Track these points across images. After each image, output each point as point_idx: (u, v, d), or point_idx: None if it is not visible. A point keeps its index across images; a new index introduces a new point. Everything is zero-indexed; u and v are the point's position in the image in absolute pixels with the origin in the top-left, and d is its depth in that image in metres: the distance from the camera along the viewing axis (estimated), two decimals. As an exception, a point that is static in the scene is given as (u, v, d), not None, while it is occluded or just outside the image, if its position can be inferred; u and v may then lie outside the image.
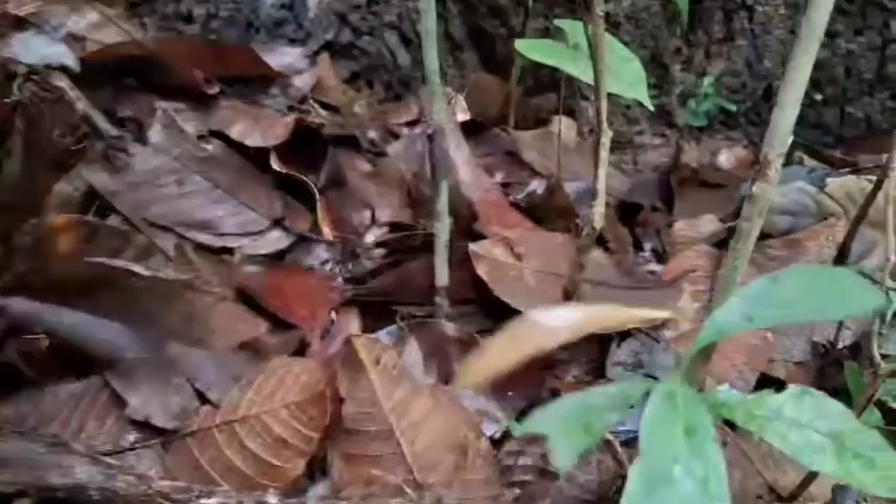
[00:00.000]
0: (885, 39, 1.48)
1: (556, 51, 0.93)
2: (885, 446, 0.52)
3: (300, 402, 0.71)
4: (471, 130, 1.27)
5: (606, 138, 0.79)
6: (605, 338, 0.95)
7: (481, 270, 0.89)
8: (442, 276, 0.88)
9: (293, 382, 0.72)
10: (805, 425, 0.52)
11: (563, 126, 1.47)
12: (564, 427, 0.58)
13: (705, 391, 0.57)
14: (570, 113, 1.49)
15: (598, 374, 0.92)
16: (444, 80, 1.41)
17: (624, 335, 0.94)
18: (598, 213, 0.80)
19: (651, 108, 0.90)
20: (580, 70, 0.92)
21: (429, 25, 0.85)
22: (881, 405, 0.89)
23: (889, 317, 0.89)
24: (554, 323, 0.55)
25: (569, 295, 0.85)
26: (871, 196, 1.06)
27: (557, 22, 0.97)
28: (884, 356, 0.91)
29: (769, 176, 0.56)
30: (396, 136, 1.19)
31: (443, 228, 0.86)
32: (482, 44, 1.45)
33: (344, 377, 0.79)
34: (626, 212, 1.30)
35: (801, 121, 1.60)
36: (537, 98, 1.45)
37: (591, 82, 0.91)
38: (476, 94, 1.25)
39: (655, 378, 0.91)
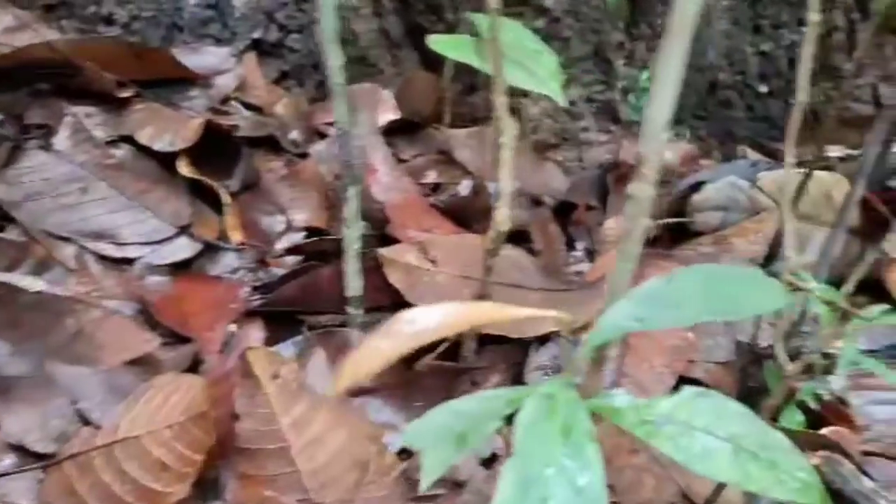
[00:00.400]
0: (828, 29, 1.46)
1: (465, 45, 0.90)
2: (788, 446, 0.49)
3: (184, 423, 0.68)
4: (403, 130, 1.24)
5: (508, 137, 0.76)
6: (526, 342, 0.92)
7: (393, 277, 0.86)
8: (353, 286, 0.85)
9: (178, 401, 0.69)
10: (700, 429, 0.49)
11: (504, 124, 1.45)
12: (437, 439, 0.55)
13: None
14: (512, 111, 1.47)
15: (517, 379, 0.90)
16: (381, 79, 1.40)
17: (543, 339, 0.91)
18: (503, 216, 0.77)
19: (564, 103, 0.87)
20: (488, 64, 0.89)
21: (328, 24, 0.82)
22: (804, 406, 0.87)
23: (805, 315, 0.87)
24: (424, 322, 0.53)
25: (481, 299, 0.82)
26: (800, 190, 1.04)
27: (469, 15, 0.94)
28: (798, 354, 0.89)
29: (646, 175, 0.53)
30: (323, 137, 1.16)
31: (353, 236, 0.83)
32: (420, 40, 1.42)
33: (240, 393, 0.75)
34: (563, 211, 1.27)
35: (747, 114, 1.59)
36: (476, 96, 1.42)
37: (511, 83, 0.88)
38: (409, 92, 1.22)
39: (573, 384, 0.89)
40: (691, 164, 1.46)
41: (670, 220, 1.15)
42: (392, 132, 1.24)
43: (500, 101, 0.74)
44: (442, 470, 0.55)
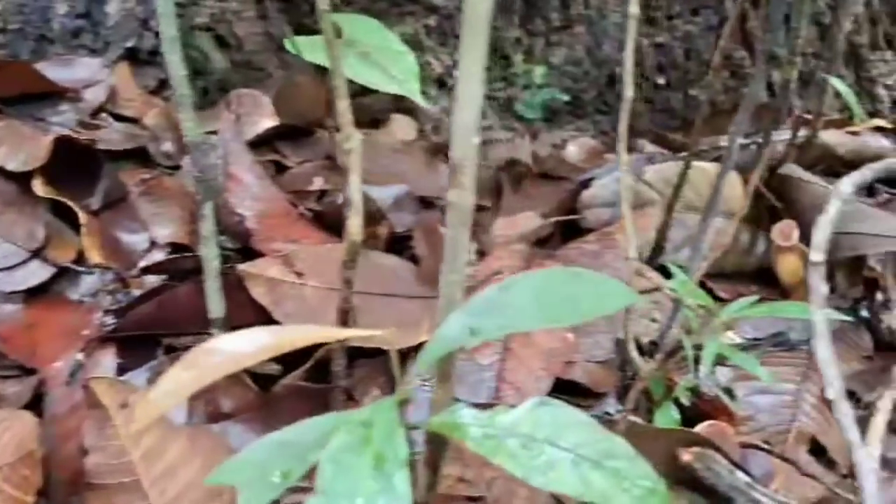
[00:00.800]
0: (721, 18, 1.46)
1: (321, 47, 0.87)
2: (631, 454, 0.47)
3: (13, 463, 0.64)
4: (288, 136, 1.21)
5: (354, 143, 0.73)
6: (405, 353, 0.89)
7: (256, 292, 0.83)
8: (215, 307, 0.81)
9: (9, 440, 0.65)
10: (542, 440, 0.47)
11: (402, 125, 1.42)
12: (255, 474, 0.53)
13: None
14: (410, 111, 1.44)
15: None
16: (269, 83, 1.36)
17: (420, 349, 0.89)
18: (354, 226, 0.74)
19: (424, 104, 0.84)
20: (353, 72, 0.86)
21: (169, 32, 0.78)
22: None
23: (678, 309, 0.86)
24: (228, 351, 0.51)
25: (343, 313, 0.79)
26: (680, 184, 1.03)
27: (334, 16, 0.91)
28: (676, 350, 0.88)
29: (463, 182, 0.51)
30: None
31: (211, 254, 0.79)
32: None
33: (88, 426, 0.72)
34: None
35: (647, 106, 1.59)
36: (371, 97, 1.39)
37: (358, 79, 0.86)
38: (289, 96, 1.18)
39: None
40: (595, 160, 1.45)
41: (561, 218, 1.14)
42: (278, 138, 1.20)
43: (342, 106, 0.71)
44: (263, 505, 0.52)
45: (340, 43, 0.88)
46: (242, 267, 0.82)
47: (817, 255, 0.63)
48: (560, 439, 0.47)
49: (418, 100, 0.84)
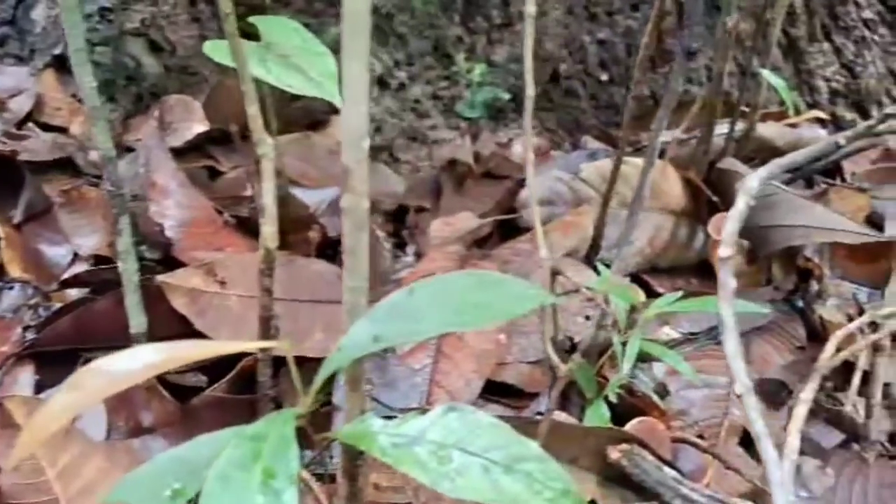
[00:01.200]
0: (661, 12, 1.46)
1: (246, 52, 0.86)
2: (542, 456, 0.47)
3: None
4: (219, 141, 1.19)
5: (267, 148, 0.72)
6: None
7: (178, 303, 0.81)
8: (136, 321, 0.80)
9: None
10: (451, 446, 0.47)
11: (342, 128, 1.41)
12: (150, 491, 0.52)
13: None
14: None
15: (327, 402, 0.86)
16: (205, 87, 1.34)
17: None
18: (269, 233, 0.73)
19: (340, 104, 0.83)
20: (266, 71, 0.85)
21: (76, 44, 0.76)
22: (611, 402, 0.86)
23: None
24: (124, 367, 0.49)
25: (265, 321, 0.78)
26: (612, 180, 1.03)
27: (251, 19, 0.90)
28: (607, 347, 0.88)
29: (356, 187, 0.50)
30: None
31: (130, 269, 0.78)
32: (245, 46, 1.37)
33: (2, 445, 0.70)
34: (399, 215, 1.24)
35: (591, 102, 1.58)
36: (307, 99, 1.37)
37: (277, 83, 0.85)
38: (222, 100, 1.17)
39: (378, 401, 0.86)
40: (541, 158, 1.45)
41: (498, 218, 1.13)
42: (211, 143, 1.19)
43: (252, 111, 0.70)
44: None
45: (257, 46, 0.87)
46: (162, 278, 0.81)
47: (726, 250, 0.63)
48: (470, 444, 0.47)
49: (336, 102, 0.83)
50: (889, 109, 0.66)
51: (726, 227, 0.64)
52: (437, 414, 0.49)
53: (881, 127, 0.67)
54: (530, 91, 0.65)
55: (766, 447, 0.59)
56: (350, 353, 0.52)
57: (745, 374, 0.60)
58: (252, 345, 0.52)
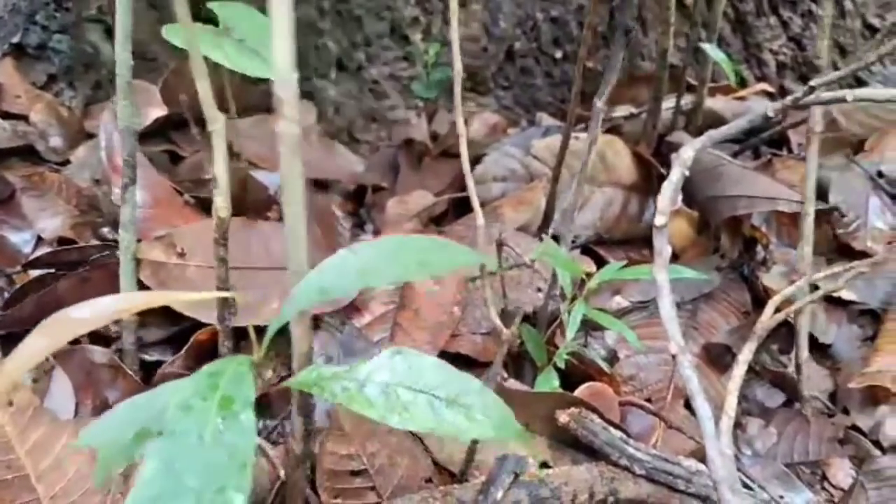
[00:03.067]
0: (612, -9, 1.49)
1: (203, 36, 0.87)
2: (481, 389, 0.52)
3: None
4: (179, 125, 1.21)
5: (217, 125, 0.73)
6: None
7: (143, 275, 0.84)
8: (129, 287, 0.82)
9: None
10: (397, 385, 0.51)
11: (301, 110, 1.43)
12: (115, 435, 0.54)
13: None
14: (310, 95, 1.45)
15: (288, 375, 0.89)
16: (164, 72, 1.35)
17: (315, 327, 0.91)
18: (220, 204, 0.74)
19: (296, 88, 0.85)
20: (225, 56, 0.87)
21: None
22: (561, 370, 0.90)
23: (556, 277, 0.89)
24: (86, 314, 0.52)
25: (220, 290, 0.80)
26: (562, 155, 1.06)
27: (210, 4, 0.91)
28: (555, 317, 0.91)
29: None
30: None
31: (130, 238, 0.80)
32: (203, 31, 1.38)
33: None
34: (358, 194, 1.27)
35: (546, 80, 1.61)
36: (267, 83, 1.39)
37: (232, 66, 0.86)
38: (179, 84, 1.18)
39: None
40: (496, 135, 1.48)
41: (452, 196, 1.16)
42: (172, 128, 1.20)
43: (203, 88, 0.72)
44: (119, 467, 0.55)
45: (214, 30, 0.89)
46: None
47: (661, 219, 0.66)
48: (415, 383, 0.51)
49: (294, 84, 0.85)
50: (813, 82, 0.69)
51: (661, 197, 0.67)
52: (384, 358, 0.53)
53: (808, 98, 0.70)
54: (458, 65, 0.67)
55: (699, 403, 0.63)
56: (298, 304, 0.54)
57: (679, 335, 0.63)
58: (199, 296, 0.54)
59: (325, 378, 0.52)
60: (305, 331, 0.59)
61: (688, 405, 0.94)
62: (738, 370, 0.79)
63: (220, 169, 0.75)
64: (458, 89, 0.65)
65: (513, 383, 0.85)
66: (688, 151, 0.70)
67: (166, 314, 0.86)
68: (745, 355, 0.81)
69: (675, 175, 0.69)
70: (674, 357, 0.64)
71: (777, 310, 0.87)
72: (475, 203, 0.65)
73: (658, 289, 0.65)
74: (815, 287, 0.97)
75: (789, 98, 0.72)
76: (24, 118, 1.13)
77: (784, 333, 1.08)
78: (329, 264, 0.55)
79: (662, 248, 0.67)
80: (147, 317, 0.88)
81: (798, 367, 0.98)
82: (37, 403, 0.75)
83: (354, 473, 0.76)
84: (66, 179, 0.96)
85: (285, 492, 0.72)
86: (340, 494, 0.75)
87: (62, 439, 0.75)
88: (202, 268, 0.86)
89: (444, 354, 0.89)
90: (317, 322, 0.91)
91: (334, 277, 0.54)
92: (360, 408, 0.50)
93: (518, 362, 0.93)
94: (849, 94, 0.71)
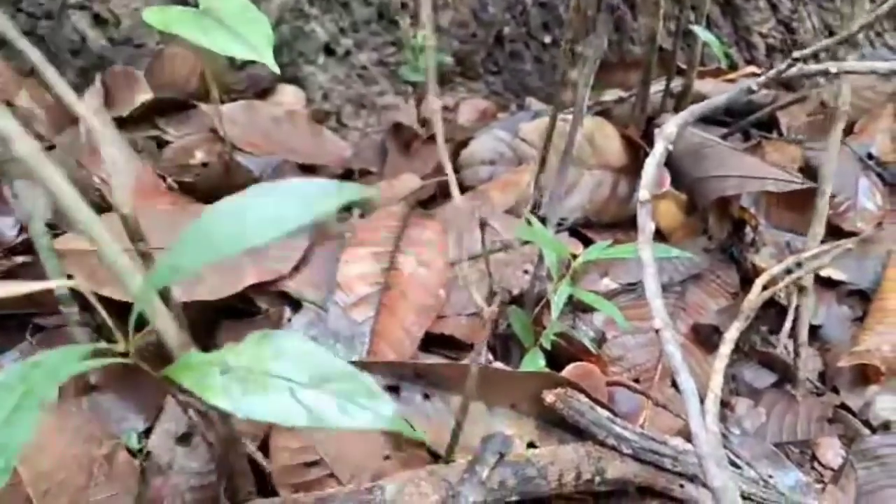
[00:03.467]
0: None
1: (183, 18, 0.87)
2: (354, 374, 0.47)
3: None
4: (170, 109, 1.20)
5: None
6: (279, 314, 0.91)
7: (69, 265, 0.82)
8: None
9: None
10: (259, 372, 0.47)
11: (289, 95, 1.42)
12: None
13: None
14: (298, 81, 1.44)
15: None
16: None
17: (296, 308, 0.91)
18: (119, 196, 0.71)
19: (276, 70, 0.84)
20: (207, 39, 0.86)
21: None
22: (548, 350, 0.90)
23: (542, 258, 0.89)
24: None
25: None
26: (549, 137, 1.05)
27: (188, -10, 0.91)
28: (540, 298, 0.91)
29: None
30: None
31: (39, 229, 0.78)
32: (189, 17, 1.37)
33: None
34: (346, 179, 1.26)
35: (536, 65, 1.60)
36: (251, 67, 1.38)
37: (214, 48, 0.86)
38: (164, 69, 1.18)
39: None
40: (486, 120, 1.48)
41: (440, 179, 1.16)
42: (158, 114, 1.20)
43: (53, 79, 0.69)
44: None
45: (195, 11, 0.88)
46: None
47: (644, 193, 0.66)
48: (275, 368, 0.47)
49: (271, 65, 0.84)
50: (796, 54, 0.69)
51: (645, 171, 0.67)
52: (250, 342, 0.49)
53: (791, 71, 0.70)
54: (431, 41, 0.66)
55: (682, 378, 0.63)
56: (153, 285, 0.51)
57: (663, 310, 0.63)
58: (44, 285, 0.52)
59: (191, 366, 0.49)
60: (163, 314, 0.53)
61: (675, 385, 0.93)
62: (725, 348, 0.79)
63: (109, 156, 0.70)
64: (431, 63, 0.64)
65: (499, 365, 0.84)
66: (670, 126, 0.69)
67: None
68: (732, 333, 0.80)
69: (659, 149, 0.68)
70: (657, 332, 0.64)
71: (764, 288, 0.87)
72: (453, 186, 0.64)
73: (643, 265, 0.65)
74: (800, 265, 0.96)
75: (772, 71, 0.72)
76: (8, 104, 1.12)
77: (773, 314, 1.08)
78: (179, 244, 0.51)
79: (646, 224, 0.67)
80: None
81: (797, 351, 0.98)
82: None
83: (309, 465, 0.75)
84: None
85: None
86: (300, 488, 0.74)
87: (47, 422, 0.74)
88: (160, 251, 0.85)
89: (430, 336, 0.89)
90: (297, 303, 0.91)
91: (187, 254, 0.50)
92: (213, 397, 0.46)
93: (505, 344, 0.93)
94: (832, 65, 0.70)
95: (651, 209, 0.67)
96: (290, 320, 0.89)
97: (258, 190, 0.51)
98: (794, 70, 0.70)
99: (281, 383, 0.45)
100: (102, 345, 0.49)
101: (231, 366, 0.46)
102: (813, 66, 0.70)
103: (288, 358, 0.47)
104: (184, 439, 0.74)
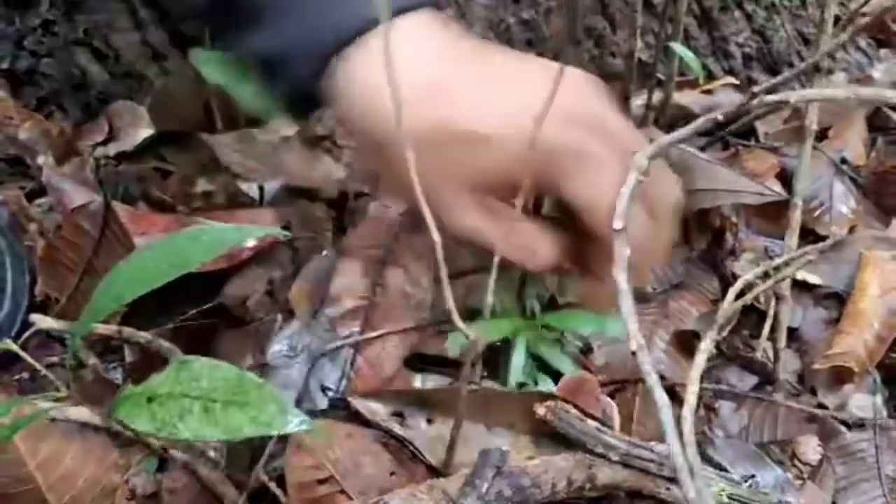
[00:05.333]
0: (574, -8, 1.53)
1: (230, 67, 0.91)
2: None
3: None
4: (171, 141, 1.26)
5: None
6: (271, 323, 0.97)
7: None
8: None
9: None
10: (177, 396, 0.52)
11: (282, 121, 1.47)
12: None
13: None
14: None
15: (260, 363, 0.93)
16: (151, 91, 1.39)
17: (288, 317, 0.96)
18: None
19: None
20: (246, 92, 0.91)
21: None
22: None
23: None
24: None
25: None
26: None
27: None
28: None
29: None
30: (84, 160, 1.16)
31: None
32: (185, 48, 1.42)
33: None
34: (341, 201, 1.31)
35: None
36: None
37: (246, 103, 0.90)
38: (166, 103, 1.23)
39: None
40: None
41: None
42: (161, 145, 1.25)
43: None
44: None
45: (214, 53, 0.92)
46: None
47: (618, 223, 0.71)
48: (192, 390, 0.53)
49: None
50: (756, 88, 0.74)
51: (619, 203, 0.71)
52: (171, 369, 0.55)
53: (753, 103, 0.75)
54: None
55: (657, 396, 0.67)
56: (93, 318, 0.58)
57: (638, 333, 0.68)
58: None
59: (124, 397, 0.55)
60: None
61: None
62: (699, 358, 0.83)
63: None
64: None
65: (490, 384, 0.89)
66: (641, 158, 0.74)
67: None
68: (706, 344, 0.84)
69: (631, 180, 0.73)
70: (633, 354, 0.69)
71: (741, 294, 0.92)
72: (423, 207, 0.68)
73: (619, 291, 0.70)
74: (777, 270, 1.01)
75: (734, 107, 0.77)
76: (14, 139, 1.17)
77: (755, 318, 1.13)
78: (120, 273, 0.59)
79: (621, 251, 0.72)
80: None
81: (776, 354, 1.03)
82: (46, 419, 0.80)
83: (321, 482, 0.79)
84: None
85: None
86: (312, 503, 0.78)
87: (71, 451, 0.80)
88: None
89: (415, 354, 0.94)
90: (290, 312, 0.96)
91: (124, 285, 0.57)
92: (144, 427, 0.52)
93: (493, 356, 0.98)
94: (793, 95, 0.75)
95: (625, 238, 0.72)
96: (281, 328, 0.94)
97: (187, 233, 0.60)
98: (754, 103, 0.75)
99: (197, 404, 0.51)
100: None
101: (157, 393, 0.52)
102: (772, 97, 0.74)
103: (202, 379, 0.52)
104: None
